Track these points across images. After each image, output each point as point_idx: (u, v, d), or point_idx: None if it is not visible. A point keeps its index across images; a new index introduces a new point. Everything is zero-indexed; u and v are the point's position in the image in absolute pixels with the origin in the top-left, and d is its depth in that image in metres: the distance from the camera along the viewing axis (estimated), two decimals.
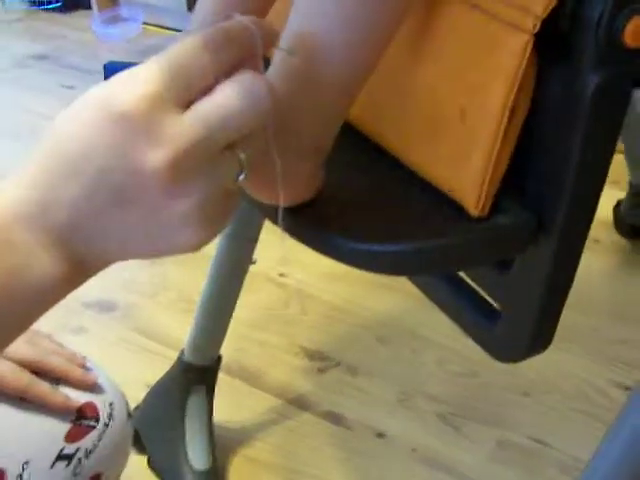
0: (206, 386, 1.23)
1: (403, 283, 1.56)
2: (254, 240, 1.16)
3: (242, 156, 0.48)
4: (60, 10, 2.96)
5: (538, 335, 0.66)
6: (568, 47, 0.55)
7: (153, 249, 0.48)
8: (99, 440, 0.76)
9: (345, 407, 1.37)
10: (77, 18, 2.93)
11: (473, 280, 0.71)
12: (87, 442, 0.75)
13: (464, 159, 0.59)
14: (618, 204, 1.64)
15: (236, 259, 1.17)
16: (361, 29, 0.56)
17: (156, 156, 0.44)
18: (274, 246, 1.24)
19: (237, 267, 1.18)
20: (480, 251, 0.62)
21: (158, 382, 1.26)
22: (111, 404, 0.79)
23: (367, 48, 0.57)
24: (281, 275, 1.67)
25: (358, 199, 0.64)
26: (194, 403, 1.21)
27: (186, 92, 0.46)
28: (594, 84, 0.54)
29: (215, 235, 0.48)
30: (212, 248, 1.60)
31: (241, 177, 0.48)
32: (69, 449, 0.74)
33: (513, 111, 0.57)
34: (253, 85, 0.47)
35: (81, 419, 0.76)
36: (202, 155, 0.45)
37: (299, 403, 1.38)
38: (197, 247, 0.48)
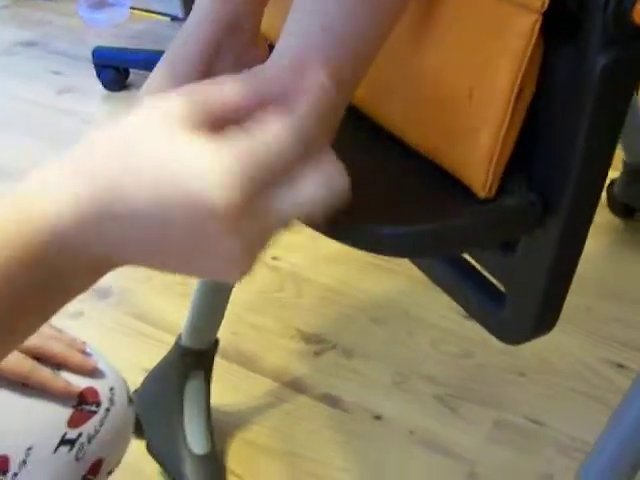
0: (204, 370, 1.23)
1: (398, 264, 1.57)
2: None
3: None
4: None
5: (542, 317, 0.67)
6: (576, 27, 0.55)
7: (186, 274, 0.48)
8: (101, 425, 0.76)
9: (342, 390, 1.37)
10: (63, 4, 2.90)
11: (478, 262, 0.71)
12: (89, 427, 0.75)
13: (471, 139, 0.59)
14: (612, 184, 1.64)
15: None
16: (362, 21, 0.56)
17: (218, 196, 0.42)
18: None
19: None
20: (487, 232, 0.62)
21: (156, 367, 1.26)
22: (112, 389, 0.79)
23: (369, 39, 0.57)
24: (274, 258, 1.66)
25: (362, 182, 0.63)
26: (192, 387, 1.21)
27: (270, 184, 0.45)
28: (602, 65, 0.54)
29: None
30: None
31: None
32: (71, 434, 0.74)
33: (520, 92, 0.57)
34: (334, 178, 0.47)
35: (83, 404, 0.76)
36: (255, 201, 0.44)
37: (296, 386, 1.38)
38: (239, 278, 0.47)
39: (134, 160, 0.43)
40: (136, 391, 1.26)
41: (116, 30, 2.68)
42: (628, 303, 1.50)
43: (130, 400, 0.82)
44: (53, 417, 0.74)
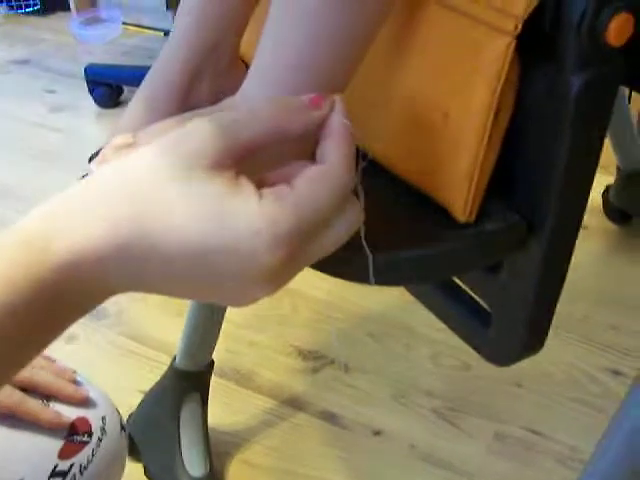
0: (200, 392, 1.22)
1: None
2: None
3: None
4: (38, 13, 2.94)
5: (529, 337, 0.66)
6: (551, 48, 0.55)
7: (208, 300, 0.48)
8: (93, 455, 0.75)
9: (341, 406, 1.36)
10: (56, 20, 2.90)
11: (464, 282, 0.70)
12: (81, 458, 0.74)
13: (449, 164, 0.58)
14: (607, 189, 1.63)
15: None
16: (336, 43, 0.56)
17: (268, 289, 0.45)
18: None
19: None
20: (469, 258, 0.61)
21: (152, 389, 1.25)
22: (103, 418, 0.78)
23: (346, 53, 0.57)
24: None
25: None
26: (188, 410, 1.21)
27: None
28: (578, 85, 0.54)
29: None
30: None
31: None
32: (63, 466, 0.73)
33: (497, 114, 0.56)
34: (358, 221, 0.48)
35: (74, 435, 0.75)
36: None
37: (294, 403, 1.38)
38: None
39: (165, 201, 0.42)
40: (132, 414, 1.25)
41: (109, 46, 2.68)
42: (624, 309, 1.49)
43: (122, 428, 0.81)
44: (44, 449, 0.73)
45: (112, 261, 0.42)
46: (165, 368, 1.25)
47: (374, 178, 0.65)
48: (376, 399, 1.38)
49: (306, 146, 0.48)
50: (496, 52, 0.54)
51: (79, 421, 0.76)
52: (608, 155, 1.53)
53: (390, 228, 0.60)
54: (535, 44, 0.55)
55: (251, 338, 1.50)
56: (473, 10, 0.56)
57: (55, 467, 0.73)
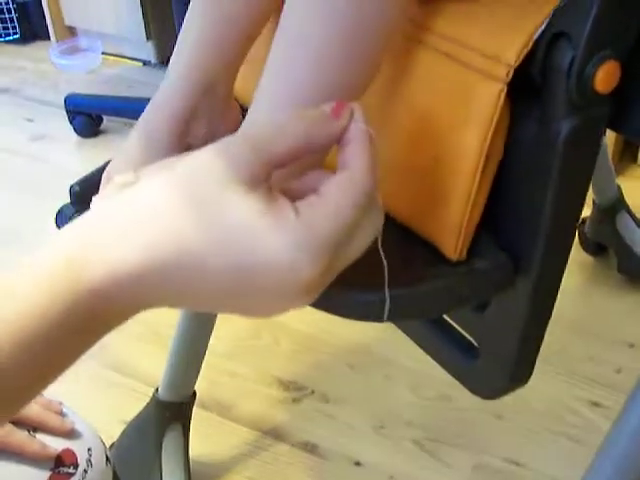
0: (182, 423, 1.23)
1: None
2: None
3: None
4: (18, 42, 2.94)
5: (515, 372, 0.67)
6: (540, 94, 0.57)
7: (246, 313, 0.48)
8: None
9: (321, 436, 1.37)
10: (36, 49, 2.90)
11: (451, 317, 0.72)
12: None
13: (441, 205, 0.60)
14: (583, 222, 1.66)
15: None
16: (339, 80, 0.58)
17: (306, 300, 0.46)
18: None
19: None
20: (459, 295, 0.63)
21: (134, 420, 1.25)
22: (89, 449, 0.79)
23: (359, 60, 0.59)
24: None
25: None
26: (170, 441, 1.21)
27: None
28: (566, 130, 0.55)
29: None
30: None
31: None
32: None
33: (488, 157, 0.58)
34: (380, 225, 0.49)
35: (60, 466, 0.75)
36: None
37: (275, 434, 1.38)
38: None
39: (203, 216, 0.43)
40: (113, 445, 1.25)
41: (89, 76, 2.68)
42: (602, 341, 1.51)
43: (108, 460, 0.82)
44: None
45: (149, 283, 0.43)
46: (146, 399, 1.25)
47: None
48: (356, 430, 1.38)
49: (323, 155, 0.49)
50: (487, 98, 0.56)
51: (65, 453, 0.76)
52: None
53: (380, 267, 0.61)
54: (525, 90, 0.57)
55: (232, 369, 1.51)
56: (466, 56, 0.58)
57: None
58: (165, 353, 1.23)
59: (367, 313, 0.59)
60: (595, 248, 1.67)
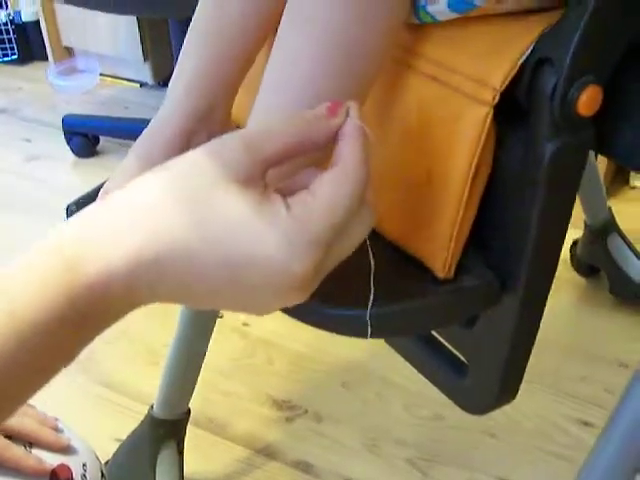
0: (176, 440, 1.23)
1: None
2: None
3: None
4: (16, 62, 2.96)
5: (504, 388, 0.69)
6: (525, 116, 0.59)
7: (239, 309, 0.48)
8: None
9: (314, 455, 1.38)
10: (33, 70, 2.93)
11: (440, 334, 0.73)
12: None
13: (431, 223, 0.62)
14: (575, 243, 1.68)
15: (203, 314, 1.18)
16: (350, 58, 0.59)
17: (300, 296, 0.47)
18: None
19: (205, 321, 1.19)
20: (447, 311, 0.64)
21: (128, 437, 1.26)
22: (84, 465, 0.80)
23: (356, 75, 0.61)
24: (245, 325, 1.68)
25: None
26: (165, 458, 1.22)
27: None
28: (550, 152, 0.57)
29: None
30: None
31: None
32: None
33: (475, 178, 0.59)
34: (372, 222, 0.49)
35: None
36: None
37: (268, 452, 1.39)
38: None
39: (196, 213, 0.44)
40: (107, 462, 1.26)
41: (86, 96, 2.71)
42: (592, 361, 1.53)
43: (103, 475, 0.82)
44: None
45: (144, 278, 0.44)
46: (139, 417, 1.26)
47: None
48: (349, 448, 1.39)
49: (321, 154, 0.50)
50: (475, 120, 0.58)
51: (60, 468, 0.77)
52: (576, 210, 1.58)
53: (375, 285, 0.63)
54: (511, 113, 0.59)
55: (226, 388, 1.52)
56: (454, 80, 0.60)
57: None
58: (159, 372, 1.24)
59: (355, 329, 0.61)
60: (587, 269, 1.69)
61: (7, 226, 1.97)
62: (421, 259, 0.64)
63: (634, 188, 1.97)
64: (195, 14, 0.72)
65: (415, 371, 1.46)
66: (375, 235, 0.67)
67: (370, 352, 1.58)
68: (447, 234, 0.61)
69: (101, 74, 2.77)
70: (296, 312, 0.61)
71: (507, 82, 0.57)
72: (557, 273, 1.73)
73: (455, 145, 0.60)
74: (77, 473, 0.78)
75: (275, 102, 0.61)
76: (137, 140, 0.73)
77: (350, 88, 0.60)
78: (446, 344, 0.73)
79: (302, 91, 0.59)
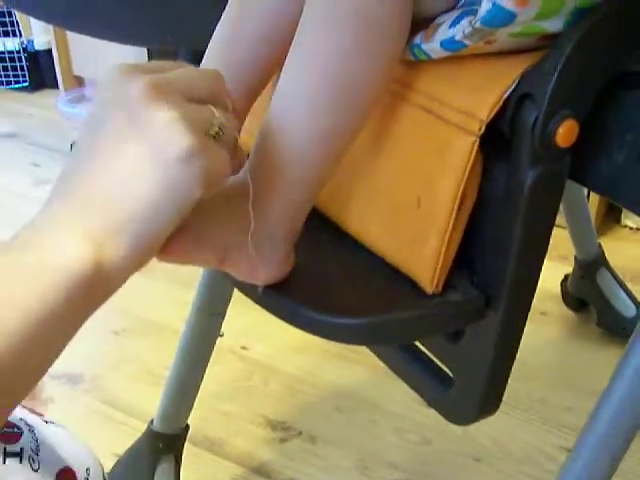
0: (174, 454, 1.28)
1: (361, 355, 1.64)
2: (222, 314, 1.22)
3: (215, 112, 0.56)
4: (27, 89, 3.03)
5: (487, 400, 0.74)
6: (509, 146, 0.64)
7: (158, 185, 0.53)
8: None
9: (307, 475, 1.42)
10: (43, 97, 3.00)
11: (428, 349, 0.78)
12: None
13: (420, 243, 0.67)
14: (565, 278, 1.73)
15: (205, 332, 1.23)
16: (331, 134, 0.65)
17: (134, 86, 0.52)
18: (235, 321, 1.31)
19: (206, 340, 1.24)
20: (433, 324, 0.69)
21: (127, 451, 1.30)
22: (87, 469, 0.83)
23: (333, 154, 0.67)
24: (243, 348, 1.73)
25: (324, 276, 0.72)
26: (163, 471, 1.26)
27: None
28: (531, 179, 0.63)
29: (204, 167, 0.54)
30: (175, 323, 1.67)
31: (217, 123, 0.56)
32: None
33: (462, 201, 0.65)
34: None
35: None
36: (174, 88, 0.54)
37: (262, 471, 1.43)
38: (188, 160, 0.53)
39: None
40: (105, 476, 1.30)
41: None
42: (580, 393, 1.57)
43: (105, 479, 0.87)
44: None
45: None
46: (137, 433, 1.31)
47: (347, 251, 0.74)
48: (341, 469, 1.43)
49: None
50: (462, 149, 0.64)
51: (65, 471, 0.81)
52: (567, 245, 1.63)
53: (366, 296, 0.69)
54: (495, 143, 0.64)
55: (223, 408, 1.56)
56: (444, 112, 0.65)
57: None
58: (157, 392, 1.29)
59: (340, 335, 0.67)
60: (576, 303, 1.74)
61: None
62: (411, 276, 0.69)
63: (625, 227, 2.03)
64: (212, 40, 0.77)
65: (405, 398, 1.51)
66: (369, 252, 0.73)
67: (362, 379, 1.62)
68: (435, 255, 0.67)
69: None
70: (288, 315, 0.67)
71: (492, 114, 0.63)
72: (547, 307, 1.78)
73: (443, 172, 0.65)
74: (81, 476, 0.82)
75: (274, 134, 0.67)
76: None
77: (348, 120, 0.66)
78: (433, 358, 0.78)
79: (301, 123, 0.65)
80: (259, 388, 1.63)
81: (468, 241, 0.67)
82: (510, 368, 0.72)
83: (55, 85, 2.93)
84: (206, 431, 1.50)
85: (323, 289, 0.69)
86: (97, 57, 2.77)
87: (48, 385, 1.58)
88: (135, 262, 0.55)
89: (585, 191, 1.58)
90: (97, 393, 1.60)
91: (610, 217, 2.04)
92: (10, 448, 0.77)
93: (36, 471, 0.78)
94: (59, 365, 1.57)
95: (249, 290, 0.69)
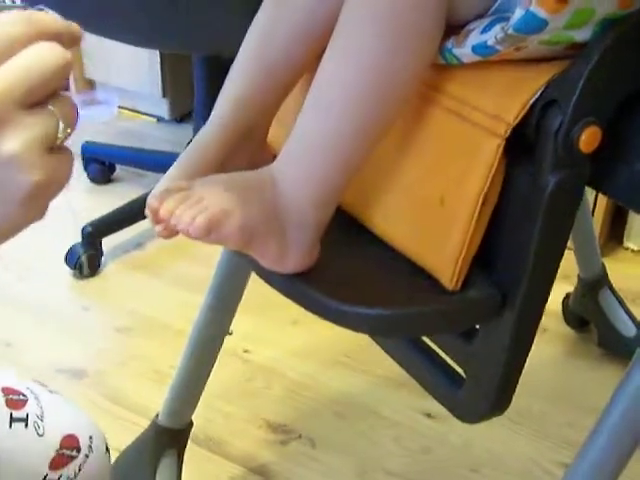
0: (177, 449, 1.29)
1: (362, 363, 1.66)
2: (232, 311, 1.24)
3: (52, 108, 0.48)
4: None
5: (498, 398, 0.76)
6: (532, 150, 0.67)
7: None
8: (79, 470, 0.82)
9: (306, 478, 1.43)
10: None
11: (440, 347, 0.80)
12: (69, 470, 0.80)
13: (442, 241, 0.69)
14: (567, 297, 1.75)
15: (214, 329, 1.25)
16: (358, 135, 0.68)
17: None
18: (239, 324, 1.33)
19: (215, 336, 1.26)
20: (451, 319, 0.72)
21: (131, 445, 1.31)
22: (90, 437, 0.85)
23: (364, 146, 0.69)
24: (246, 351, 1.74)
25: (347, 269, 0.74)
26: (165, 466, 1.27)
27: None
28: (552, 183, 0.65)
29: (51, 190, 0.48)
30: (180, 324, 1.68)
31: (61, 129, 0.48)
32: (52, 475, 0.79)
33: (485, 201, 0.67)
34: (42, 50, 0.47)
35: (63, 449, 0.81)
36: (10, 102, 0.45)
37: (261, 472, 1.44)
38: (35, 196, 0.46)
39: None
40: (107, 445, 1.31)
41: (104, 127, 2.79)
42: (579, 410, 1.58)
43: (107, 450, 0.88)
44: (36, 459, 0.79)
45: None
46: (138, 428, 1.33)
47: (370, 247, 0.77)
48: (340, 474, 1.45)
49: None
50: (488, 150, 0.66)
51: (69, 437, 0.83)
52: (569, 265, 1.65)
53: (387, 289, 0.71)
54: (520, 146, 0.67)
55: (226, 409, 1.58)
56: (471, 115, 0.68)
57: (45, 476, 0.78)
58: (160, 389, 1.31)
59: (354, 324, 0.69)
60: (577, 322, 1.76)
61: (24, 244, 2.02)
62: (432, 272, 0.71)
63: (627, 249, 2.05)
64: (245, 39, 0.80)
65: (405, 406, 1.53)
66: (391, 249, 0.75)
67: (364, 386, 1.64)
68: (456, 253, 0.69)
69: (120, 107, 2.86)
70: (312, 304, 0.69)
71: (519, 119, 0.65)
72: (548, 324, 1.80)
73: (469, 173, 0.68)
74: (84, 444, 0.83)
75: (314, 127, 0.69)
76: (181, 155, 0.80)
77: (378, 113, 0.69)
78: (443, 355, 0.80)
79: (340, 116, 0.68)
80: (261, 391, 1.64)
81: (488, 240, 0.70)
82: (522, 368, 0.74)
83: (66, 88, 2.95)
84: (208, 431, 1.52)
85: (346, 281, 0.71)
86: (109, 60, 2.79)
87: (52, 378, 1.60)
88: None
89: (590, 206, 1.60)
90: (100, 388, 1.62)
91: (612, 239, 2.06)
92: (16, 414, 0.80)
93: (41, 436, 0.81)
94: (64, 360, 1.60)
95: (271, 278, 0.71)
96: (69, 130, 0.49)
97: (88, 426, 0.86)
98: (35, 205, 0.48)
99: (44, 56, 0.46)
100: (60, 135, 0.48)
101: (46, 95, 0.48)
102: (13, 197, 0.46)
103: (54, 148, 0.48)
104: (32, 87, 0.46)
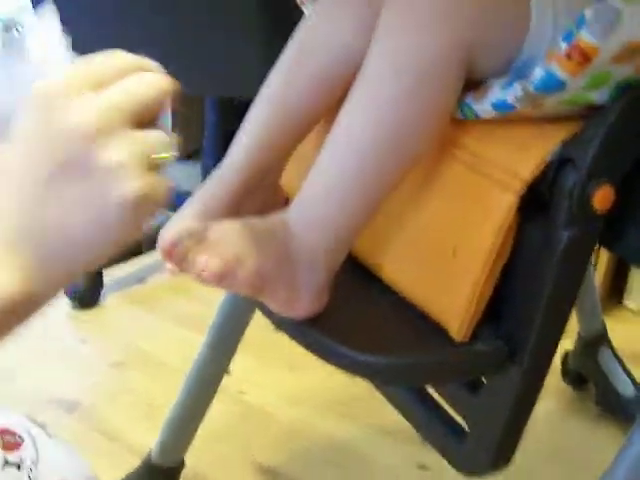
0: None
1: (356, 410, 1.65)
2: (232, 351, 1.24)
3: (159, 134, 0.50)
4: None
5: (501, 452, 0.75)
6: (546, 206, 0.67)
7: (94, 225, 0.48)
8: None
9: None
10: None
11: (443, 397, 0.80)
12: None
13: (452, 292, 0.70)
14: (566, 354, 1.75)
15: (214, 367, 1.24)
16: (374, 184, 0.69)
17: (76, 115, 0.47)
18: (236, 365, 1.32)
19: (214, 375, 1.25)
20: (456, 370, 0.72)
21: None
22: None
23: (380, 196, 0.70)
24: (241, 392, 1.73)
25: (355, 315, 0.74)
26: None
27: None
28: (566, 238, 0.66)
29: (148, 206, 0.49)
30: (175, 361, 1.68)
31: (161, 152, 0.50)
32: None
33: (497, 256, 0.68)
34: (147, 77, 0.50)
35: None
36: (118, 116, 0.48)
37: None
38: (134, 207, 0.48)
39: None
40: None
41: None
42: (569, 467, 1.57)
43: None
44: None
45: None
46: (127, 462, 1.33)
47: (379, 294, 0.77)
48: None
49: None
50: (503, 206, 0.67)
51: None
52: (570, 321, 1.65)
53: (394, 337, 0.71)
54: (534, 201, 0.67)
55: (218, 449, 1.56)
56: (488, 169, 0.69)
57: None
58: (151, 424, 1.30)
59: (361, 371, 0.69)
60: (576, 379, 1.75)
61: None
62: (440, 322, 0.71)
63: (627, 309, 2.05)
64: (266, 83, 0.81)
65: (399, 456, 1.51)
66: (400, 297, 0.75)
67: (357, 434, 1.63)
68: (466, 305, 0.69)
69: None
70: (318, 349, 0.69)
71: (535, 176, 0.66)
72: (547, 380, 1.78)
73: (482, 226, 0.68)
74: None
75: (325, 180, 0.70)
76: (195, 194, 0.80)
77: (396, 166, 0.69)
78: (446, 408, 0.80)
79: (353, 172, 0.69)
80: (253, 433, 1.63)
81: (497, 292, 0.70)
82: (526, 422, 0.74)
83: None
84: (198, 470, 1.50)
85: (354, 328, 0.71)
86: None
87: (42, 410, 1.59)
88: (60, 287, 0.52)
89: (592, 267, 1.60)
90: (91, 422, 1.61)
91: (612, 298, 2.06)
92: (11, 458, 0.79)
93: None
94: (55, 391, 1.59)
95: (281, 324, 0.71)
96: (167, 155, 0.51)
97: (84, 474, 0.85)
98: (133, 218, 0.49)
99: (150, 81, 0.50)
100: (161, 155, 0.50)
101: (149, 117, 0.50)
102: (113, 205, 0.47)
103: (153, 168, 0.49)
104: (138, 105, 0.49)
